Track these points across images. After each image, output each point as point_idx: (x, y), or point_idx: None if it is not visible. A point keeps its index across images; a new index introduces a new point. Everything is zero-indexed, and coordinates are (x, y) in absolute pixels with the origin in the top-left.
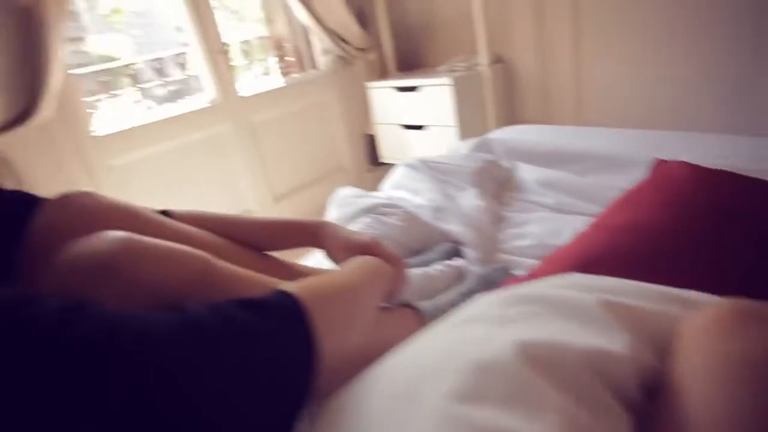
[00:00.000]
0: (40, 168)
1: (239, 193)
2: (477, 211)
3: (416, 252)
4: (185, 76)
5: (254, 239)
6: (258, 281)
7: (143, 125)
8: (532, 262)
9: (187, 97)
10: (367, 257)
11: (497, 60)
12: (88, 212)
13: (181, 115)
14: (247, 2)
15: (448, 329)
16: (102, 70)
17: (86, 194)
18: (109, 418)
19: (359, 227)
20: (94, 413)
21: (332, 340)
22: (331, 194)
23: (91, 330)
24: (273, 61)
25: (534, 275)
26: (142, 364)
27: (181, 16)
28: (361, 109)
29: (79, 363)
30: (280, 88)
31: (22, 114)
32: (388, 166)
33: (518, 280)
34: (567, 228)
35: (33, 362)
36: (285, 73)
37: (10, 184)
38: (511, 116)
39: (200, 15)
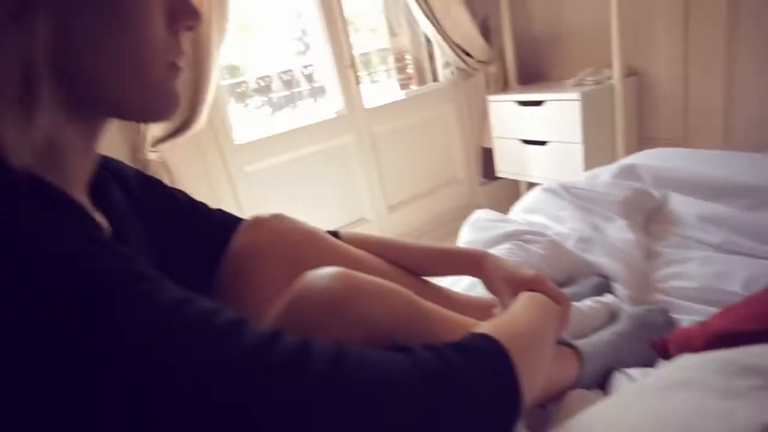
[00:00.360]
0: (190, 172)
1: (357, 202)
2: (627, 244)
3: (560, 284)
4: (311, 88)
5: (415, 265)
6: (453, 320)
7: (274, 135)
8: (699, 308)
9: (310, 107)
10: (537, 295)
11: (631, 73)
12: (280, 235)
13: (308, 125)
14: (367, 14)
15: (657, 393)
16: (237, 82)
17: (277, 217)
18: None
19: (499, 254)
20: None
21: (527, 385)
22: (444, 205)
23: (362, 373)
24: (392, 73)
25: (713, 325)
26: (396, 408)
27: (313, 30)
28: (478, 121)
29: (350, 405)
30: (401, 100)
31: (183, 125)
32: (502, 180)
33: (691, 330)
34: (739, 271)
35: (304, 402)
36: (403, 85)
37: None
38: (641, 134)
39: (333, 29)
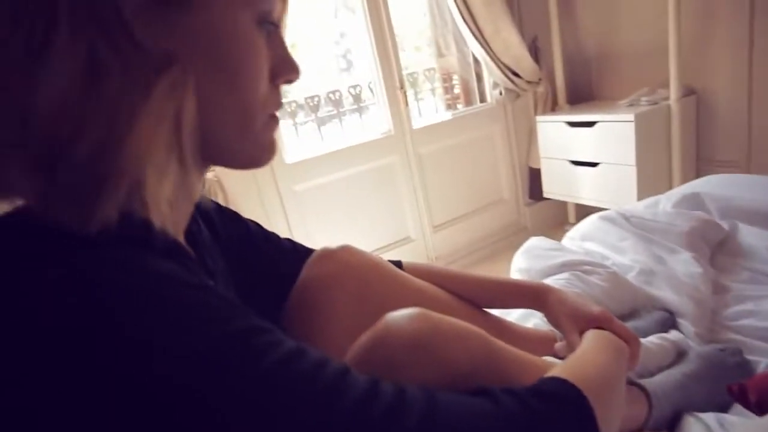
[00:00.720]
0: (243, 191)
1: (402, 221)
2: (694, 278)
3: (621, 318)
4: (357, 107)
5: (475, 296)
6: (525, 359)
7: (322, 155)
8: None
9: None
10: (605, 333)
11: (688, 92)
12: (348, 267)
13: (356, 145)
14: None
15: None
16: (287, 102)
17: (345, 249)
18: None
19: (556, 284)
20: None
21: (605, 430)
22: (489, 225)
23: (453, 425)
24: (439, 93)
25: None
26: None
27: (361, 51)
28: (526, 142)
29: None
30: (448, 120)
31: None
32: (549, 201)
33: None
34: None
35: None
36: (450, 105)
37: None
38: (699, 155)
39: (383, 51)
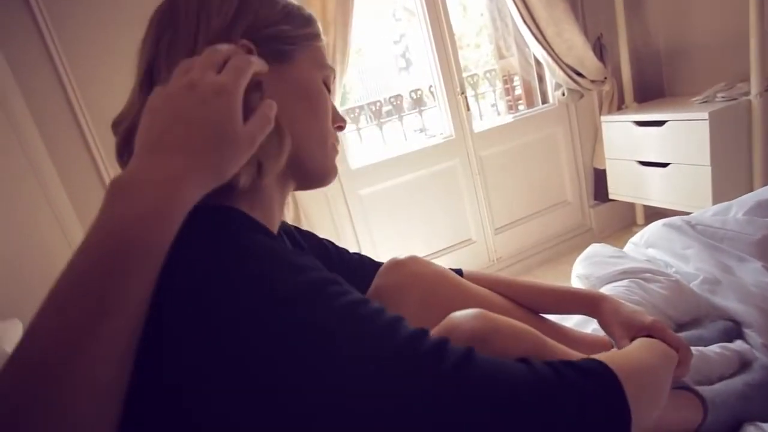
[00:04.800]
0: (312, 197)
1: (463, 223)
2: (764, 288)
3: (683, 327)
4: (418, 111)
5: (533, 302)
6: (575, 356)
7: (386, 160)
8: None
9: (417, 131)
10: (653, 340)
11: None
12: (415, 277)
13: (418, 150)
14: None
15: None
16: (351, 107)
17: (412, 260)
18: None
19: (615, 291)
20: None
21: (636, 417)
22: (552, 228)
23: (486, 370)
24: (499, 94)
25: None
26: (513, 408)
27: (421, 56)
28: (590, 142)
29: (473, 398)
30: (510, 122)
31: None
32: (614, 203)
33: None
34: None
35: (436, 387)
36: (511, 107)
37: (291, 213)
38: None
39: (443, 56)
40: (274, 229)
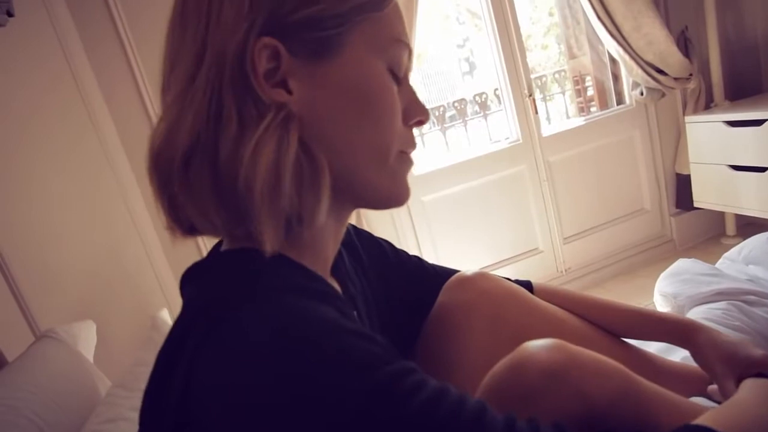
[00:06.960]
0: None
1: (530, 232)
2: None
3: None
4: (483, 115)
5: (612, 325)
6: (670, 400)
7: (449, 166)
8: None
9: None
10: None
11: None
12: (485, 294)
13: (482, 156)
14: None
15: None
16: None
17: (482, 276)
18: None
19: (710, 314)
20: None
21: None
22: (627, 238)
23: None
24: (570, 96)
25: None
26: None
27: (487, 59)
28: (672, 145)
29: None
30: (581, 126)
31: None
32: (700, 211)
33: None
34: None
35: None
36: (582, 109)
37: (353, 217)
38: None
39: (510, 59)
40: (328, 264)
